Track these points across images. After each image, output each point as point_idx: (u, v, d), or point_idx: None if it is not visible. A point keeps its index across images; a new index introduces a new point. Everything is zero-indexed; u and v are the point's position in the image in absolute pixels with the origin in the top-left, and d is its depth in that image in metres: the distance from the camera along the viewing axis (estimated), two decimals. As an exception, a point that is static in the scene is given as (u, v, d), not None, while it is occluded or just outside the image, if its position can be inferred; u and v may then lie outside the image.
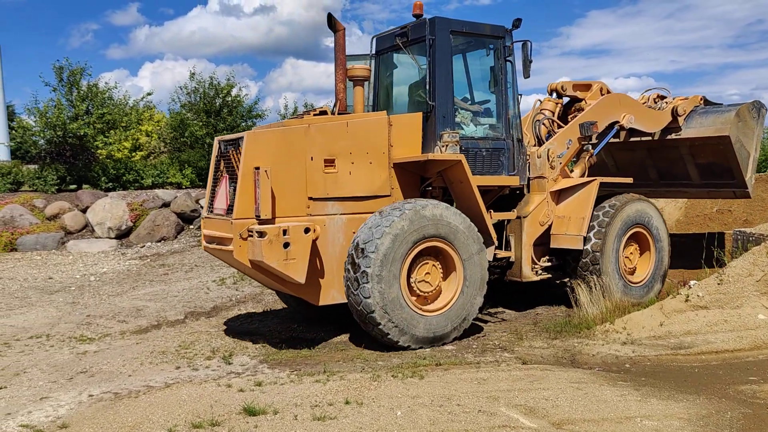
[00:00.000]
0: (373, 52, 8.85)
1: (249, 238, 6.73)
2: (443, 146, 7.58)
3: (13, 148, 23.82)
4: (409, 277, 7.11)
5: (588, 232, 8.52)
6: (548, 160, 8.79)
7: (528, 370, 6.18)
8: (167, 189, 18.84)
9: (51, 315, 9.42)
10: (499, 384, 5.77)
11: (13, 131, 21.17)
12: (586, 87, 10.17)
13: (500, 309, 9.20)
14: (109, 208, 16.68)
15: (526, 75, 8.30)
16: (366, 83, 8.34)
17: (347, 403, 5.33)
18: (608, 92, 10.13)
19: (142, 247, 16.12)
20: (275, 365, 6.67)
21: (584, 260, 8.59)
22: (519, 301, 9.55)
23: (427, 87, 7.85)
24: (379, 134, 7.56)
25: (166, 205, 17.65)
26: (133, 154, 23.01)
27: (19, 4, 69.27)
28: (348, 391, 5.63)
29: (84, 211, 16.82)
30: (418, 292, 7.19)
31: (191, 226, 17.54)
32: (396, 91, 8.96)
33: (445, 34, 7.87)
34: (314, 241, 6.96)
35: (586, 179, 8.91)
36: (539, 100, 10.09)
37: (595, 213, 8.65)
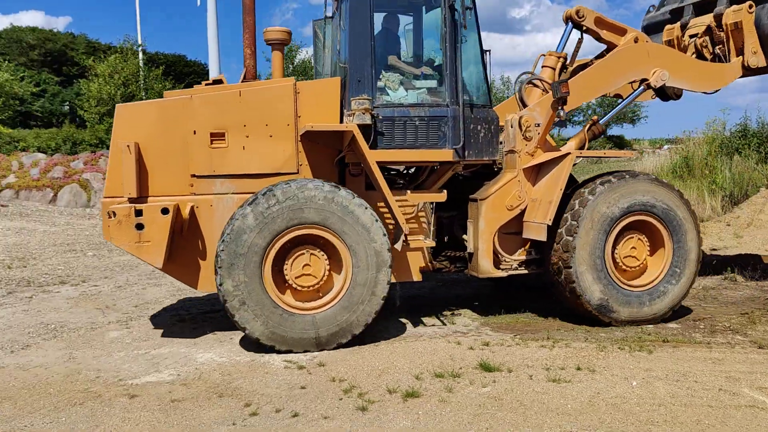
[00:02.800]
0: (329, 14, 7.80)
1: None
2: (350, 115, 6.54)
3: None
4: (283, 270, 6.22)
5: (561, 220, 6.88)
6: (521, 130, 7.16)
7: (767, 355, 5.91)
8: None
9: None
10: (737, 366, 5.59)
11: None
12: (618, 31, 8.04)
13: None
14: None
15: (464, 25, 6.89)
16: (317, 48, 7.60)
17: (578, 369, 5.48)
18: None
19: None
20: (497, 328, 6.96)
21: (554, 256, 6.93)
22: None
23: (339, 46, 6.93)
24: (283, 104, 6.64)
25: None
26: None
27: (230, -13, 75.70)
28: (576, 358, 5.77)
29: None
30: (295, 287, 6.22)
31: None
32: None
33: None
34: (196, 223, 6.51)
35: (558, 153, 7.13)
36: (543, 55, 8.23)
37: (575, 195, 6.96)
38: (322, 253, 6.26)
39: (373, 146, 6.57)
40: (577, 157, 7.13)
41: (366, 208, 6.26)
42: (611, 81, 7.68)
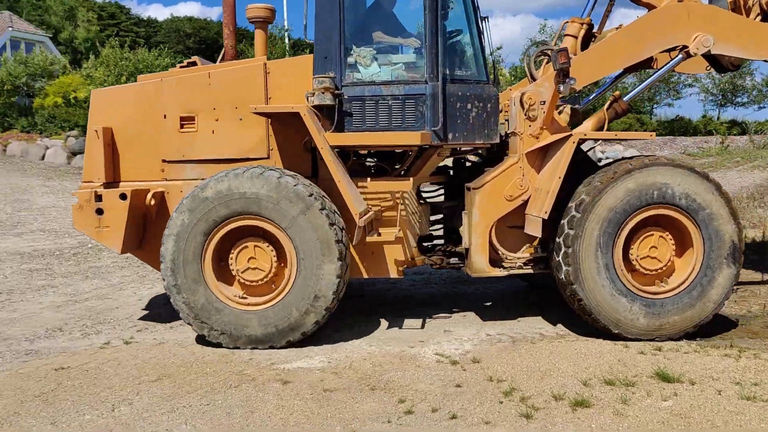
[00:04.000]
0: None
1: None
2: (310, 95, 5.99)
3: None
4: (229, 267, 5.88)
5: (565, 214, 5.84)
6: (523, 109, 6.17)
7: None
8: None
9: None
10: None
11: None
12: None
13: None
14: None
15: None
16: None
17: (777, 386, 4.74)
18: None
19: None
20: (669, 331, 6.26)
21: (554, 257, 5.96)
22: None
23: (306, 20, 6.38)
24: (253, 84, 6.27)
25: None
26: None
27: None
28: (771, 372, 5.01)
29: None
30: (245, 283, 5.85)
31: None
32: None
33: None
34: (167, 209, 6.26)
35: (561, 135, 6.05)
36: (566, 22, 7.07)
37: (582, 187, 5.87)
38: (266, 244, 5.82)
39: (340, 129, 6.06)
40: (584, 140, 6.07)
41: (298, 189, 5.67)
42: (639, 49, 6.35)
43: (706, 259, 5.83)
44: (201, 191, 5.69)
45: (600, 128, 6.56)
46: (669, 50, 6.60)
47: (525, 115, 6.20)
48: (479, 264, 6.22)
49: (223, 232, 5.74)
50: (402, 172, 6.56)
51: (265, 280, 5.84)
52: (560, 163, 5.86)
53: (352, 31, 6.28)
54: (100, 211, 6.09)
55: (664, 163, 5.84)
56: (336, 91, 6.00)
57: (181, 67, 6.80)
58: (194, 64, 6.82)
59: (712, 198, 5.80)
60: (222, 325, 5.73)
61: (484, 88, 6.32)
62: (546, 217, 5.80)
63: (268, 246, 5.82)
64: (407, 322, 6.65)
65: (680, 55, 6.44)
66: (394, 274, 6.41)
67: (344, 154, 6.34)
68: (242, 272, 5.81)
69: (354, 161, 6.51)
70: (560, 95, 5.96)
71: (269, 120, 6.29)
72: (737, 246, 5.85)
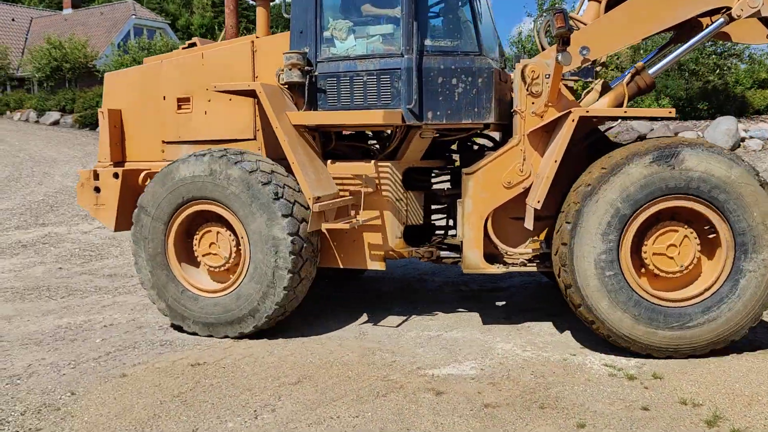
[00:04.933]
0: None
1: None
2: (280, 72, 5.71)
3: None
4: (192, 249, 5.79)
5: (563, 206, 5.06)
6: (524, 84, 5.30)
7: None
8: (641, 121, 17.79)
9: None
10: None
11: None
12: None
13: None
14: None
15: None
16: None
17: None
18: None
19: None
20: None
21: (553, 256, 5.16)
22: None
23: None
24: (241, 63, 6.04)
25: (641, 137, 16.68)
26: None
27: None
28: None
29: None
30: (209, 268, 5.73)
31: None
32: None
33: None
34: None
35: (558, 114, 5.25)
36: None
37: (585, 174, 5.01)
38: (225, 230, 5.64)
39: (313, 107, 5.76)
40: (586, 117, 5.09)
41: (252, 174, 5.36)
42: (668, 13, 5.38)
43: (736, 262, 4.82)
44: (176, 166, 5.63)
45: (619, 105, 5.54)
46: (710, 13, 5.51)
47: (527, 90, 5.40)
48: (472, 259, 5.54)
49: (187, 212, 5.68)
50: (385, 155, 5.97)
51: (222, 267, 5.70)
52: (557, 145, 5.05)
53: (329, 2, 5.86)
54: (97, 189, 6.39)
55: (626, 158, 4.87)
56: (306, 68, 5.69)
57: (183, 48, 6.77)
58: (194, 45, 6.72)
59: (748, 191, 4.78)
60: (184, 310, 5.70)
61: (474, 61, 5.58)
62: (539, 207, 5.08)
63: (229, 234, 5.63)
64: (561, 323, 5.93)
65: (721, 19, 5.41)
66: (373, 265, 5.88)
67: (328, 135, 6.05)
68: (204, 257, 5.75)
69: (338, 143, 6.14)
70: (563, 67, 5.06)
71: (256, 101, 5.96)
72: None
